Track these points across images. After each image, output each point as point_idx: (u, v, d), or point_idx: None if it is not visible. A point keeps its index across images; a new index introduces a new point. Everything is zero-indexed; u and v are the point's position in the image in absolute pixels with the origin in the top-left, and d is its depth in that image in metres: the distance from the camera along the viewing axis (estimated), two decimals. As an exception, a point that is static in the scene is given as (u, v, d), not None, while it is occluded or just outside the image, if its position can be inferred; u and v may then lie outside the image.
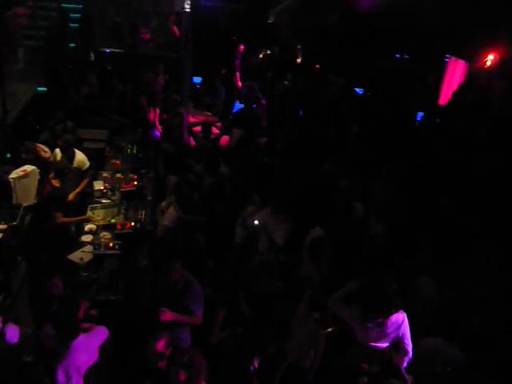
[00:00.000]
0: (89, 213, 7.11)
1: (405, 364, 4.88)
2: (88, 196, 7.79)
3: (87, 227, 6.85)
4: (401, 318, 4.76)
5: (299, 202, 6.91)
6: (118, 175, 8.12)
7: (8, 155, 8.31)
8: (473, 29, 10.71)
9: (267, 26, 14.62)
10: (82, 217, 7.12)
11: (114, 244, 6.50)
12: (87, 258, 6.29)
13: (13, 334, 4.70)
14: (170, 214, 6.70)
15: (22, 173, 7.39)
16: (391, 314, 4.71)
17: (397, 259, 6.40)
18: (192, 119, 10.31)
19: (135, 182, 7.87)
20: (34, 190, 7.46)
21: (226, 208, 6.89)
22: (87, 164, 7.90)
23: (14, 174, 7.36)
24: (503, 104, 10.93)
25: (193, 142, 9.70)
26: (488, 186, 8.22)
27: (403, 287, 5.00)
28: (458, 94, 11.80)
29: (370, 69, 13.24)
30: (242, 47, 13.28)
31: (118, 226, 6.77)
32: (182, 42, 12.43)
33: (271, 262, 6.14)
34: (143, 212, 7.24)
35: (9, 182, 7.33)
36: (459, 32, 11.04)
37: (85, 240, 6.59)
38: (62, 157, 7.84)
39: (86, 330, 4.50)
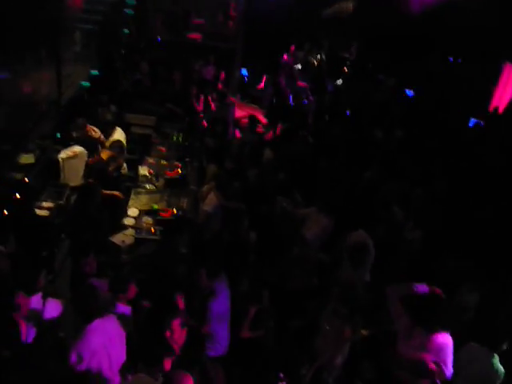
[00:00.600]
0: (132, 197, 7.24)
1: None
2: (132, 180, 7.92)
3: (130, 211, 6.97)
4: (447, 341, 4.66)
5: (344, 205, 6.91)
6: (163, 162, 8.24)
7: (58, 135, 8.51)
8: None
9: (320, 21, 14.43)
10: (116, 192, 7.06)
11: (155, 229, 6.62)
12: (129, 241, 6.44)
13: (54, 308, 4.79)
14: (210, 200, 6.70)
15: (71, 153, 7.52)
16: (438, 331, 4.65)
17: (435, 265, 6.31)
18: (238, 111, 10.33)
19: (179, 170, 7.99)
20: (81, 171, 7.55)
21: (269, 206, 6.92)
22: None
23: (63, 154, 7.50)
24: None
25: (238, 135, 9.73)
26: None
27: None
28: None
29: (421, 71, 12.96)
30: (292, 47, 13.32)
31: (162, 213, 6.89)
32: (234, 33, 12.49)
33: (308, 259, 6.11)
34: (185, 200, 7.32)
35: (58, 162, 7.48)
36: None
37: (127, 223, 6.73)
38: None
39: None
